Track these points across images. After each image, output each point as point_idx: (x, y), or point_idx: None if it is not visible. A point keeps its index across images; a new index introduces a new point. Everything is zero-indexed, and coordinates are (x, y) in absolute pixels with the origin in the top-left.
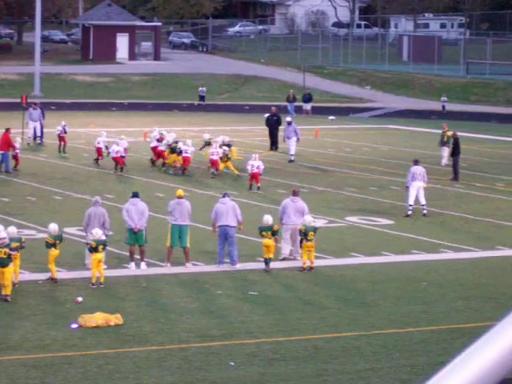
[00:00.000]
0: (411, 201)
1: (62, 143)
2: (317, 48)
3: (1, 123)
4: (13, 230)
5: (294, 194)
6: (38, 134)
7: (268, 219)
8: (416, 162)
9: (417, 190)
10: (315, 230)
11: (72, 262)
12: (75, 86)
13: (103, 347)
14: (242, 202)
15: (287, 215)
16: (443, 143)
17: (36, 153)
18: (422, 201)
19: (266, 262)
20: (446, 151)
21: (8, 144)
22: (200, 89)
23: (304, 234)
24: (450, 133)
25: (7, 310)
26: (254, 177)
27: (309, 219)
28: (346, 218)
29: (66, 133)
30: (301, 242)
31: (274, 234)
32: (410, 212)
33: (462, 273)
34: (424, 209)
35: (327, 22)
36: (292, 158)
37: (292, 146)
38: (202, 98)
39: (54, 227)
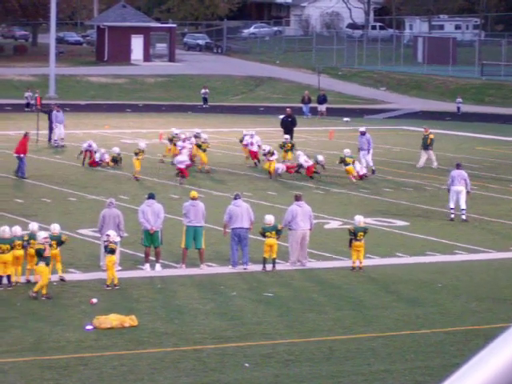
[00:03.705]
0: (452, 204)
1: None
2: (332, 49)
3: (15, 124)
4: (17, 229)
5: (298, 199)
6: (62, 135)
7: (271, 219)
8: (458, 166)
9: (456, 194)
10: (365, 230)
11: (87, 264)
12: (90, 87)
13: (118, 349)
14: (255, 203)
15: (296, 221)
16: (426, 146)
17: (51, 155)
18: (462, 205)
19: (271, 262)
20: (430, 154)
21: (24, 148)
22: (203, 91)
23: (353, 233)
24: (432, 135)
25: (22, 311)
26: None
27: (359, 219)
28: None
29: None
30: (350, 241)
31: (279, 233)
32: (452, 216)
33: (476, 274)
34: (463, 214)
35: (342, 24)
36: (373, 167)
37: (367, 157)
38: (205, 100)
39: (53, 227)
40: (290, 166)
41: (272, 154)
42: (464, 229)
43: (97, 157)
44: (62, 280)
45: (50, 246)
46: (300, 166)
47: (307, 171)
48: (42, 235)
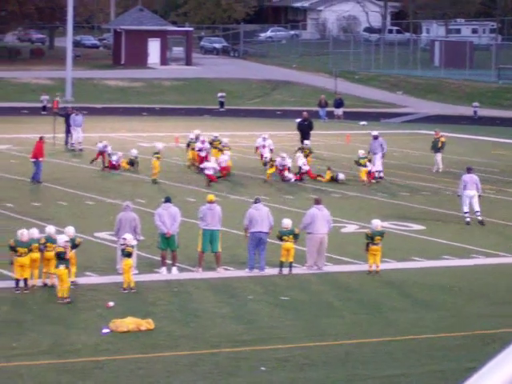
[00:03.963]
0: (465, 208)
1: (101, 157)
2: (348, 53)
3: (32, 128)
4: (34, 231)
5: (318, 202)
6: (80, 139)
7: (288, 223)
8: (469, 170)
9: (469, 198)
10: (382, 234)
11: (103, 267)
12: (106, 90)
13: (134, 352)
14: (271, 206)
15: (314, 226)
16: (436, 149)
17: (68, 158)
18: (476, 207)
19: (288, 265)
20: (439, 157)
21: (41, 152)
22: (219, 94)
23: (371, 237)
24: (443, 139)
25: (38, 314)
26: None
27: (376, 223)
28: None
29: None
30: (367, 245)
31: (296, 237)
32: (468, 219)
33: (492, 278)
34: (478, 216)
35: (359, 28)
36: (381, 174)
37: (378, 161)
38: (221, 103)
39: (68, 229)
40: (296, 177)
41: (274, 162)
42: (480, 233)
43: (113, 160)
44: (74, 284)
45: None
46: (299, 168)
47: (308, 175)
48: (63, 238)
